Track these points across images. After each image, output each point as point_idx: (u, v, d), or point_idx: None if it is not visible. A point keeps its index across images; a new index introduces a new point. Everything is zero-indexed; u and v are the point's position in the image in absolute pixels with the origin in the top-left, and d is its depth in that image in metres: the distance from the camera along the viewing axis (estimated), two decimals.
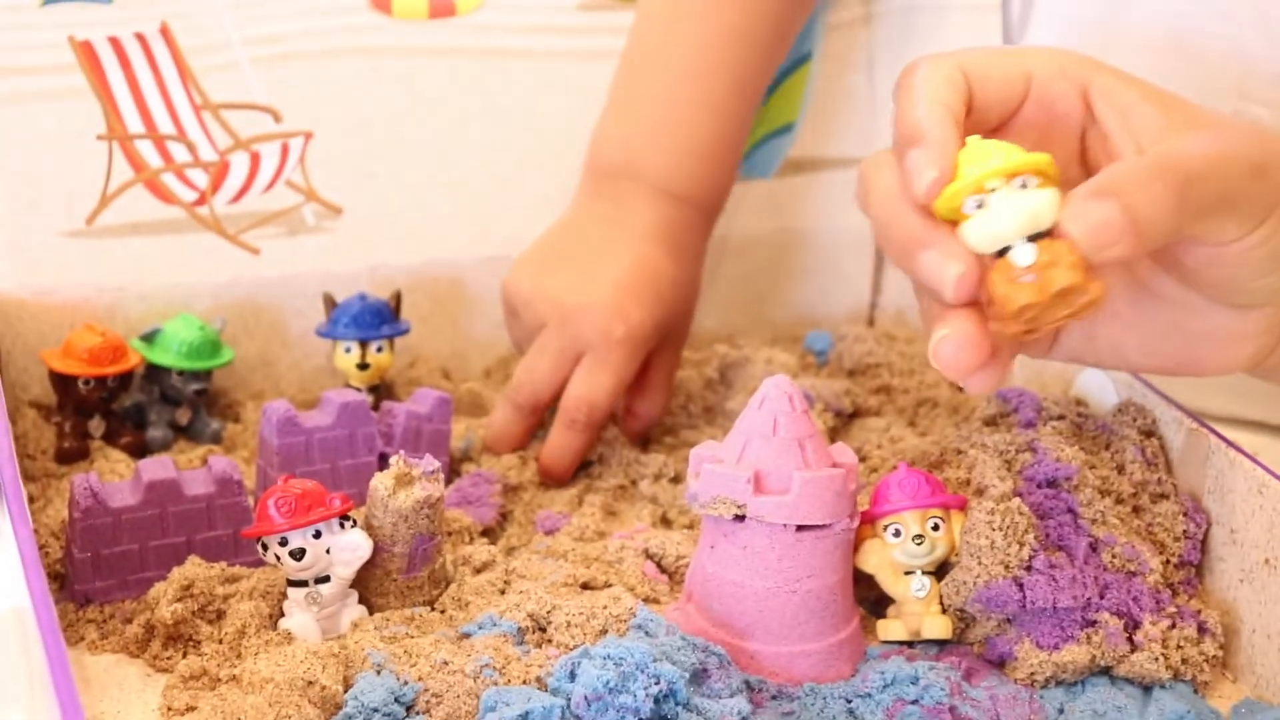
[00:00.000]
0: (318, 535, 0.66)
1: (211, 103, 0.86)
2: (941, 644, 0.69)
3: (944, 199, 0.60)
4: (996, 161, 0.59)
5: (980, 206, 0.59)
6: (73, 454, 0.80)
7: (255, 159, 0.87)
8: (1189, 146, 0.60)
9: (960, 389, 0.81)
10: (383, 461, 0.73)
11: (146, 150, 0.85)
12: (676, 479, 0.81)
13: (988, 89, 0.65)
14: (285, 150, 0.87)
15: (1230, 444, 0.70)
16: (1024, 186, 0.59)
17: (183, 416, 0.83)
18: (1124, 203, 0.58)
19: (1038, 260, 0.58)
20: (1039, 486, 0.70)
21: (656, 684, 0.61)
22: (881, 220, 0.63)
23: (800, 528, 0.65)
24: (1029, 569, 0.67)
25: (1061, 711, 0.66)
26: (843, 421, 0.86)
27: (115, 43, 0.85)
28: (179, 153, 0.86)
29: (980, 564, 0.67)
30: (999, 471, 0.70)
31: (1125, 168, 0.60)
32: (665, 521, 0.79)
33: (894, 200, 0.62)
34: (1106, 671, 0.67)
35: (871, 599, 0.71)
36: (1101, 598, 0.67)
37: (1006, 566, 0.67)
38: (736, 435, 0.67)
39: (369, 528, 0.68)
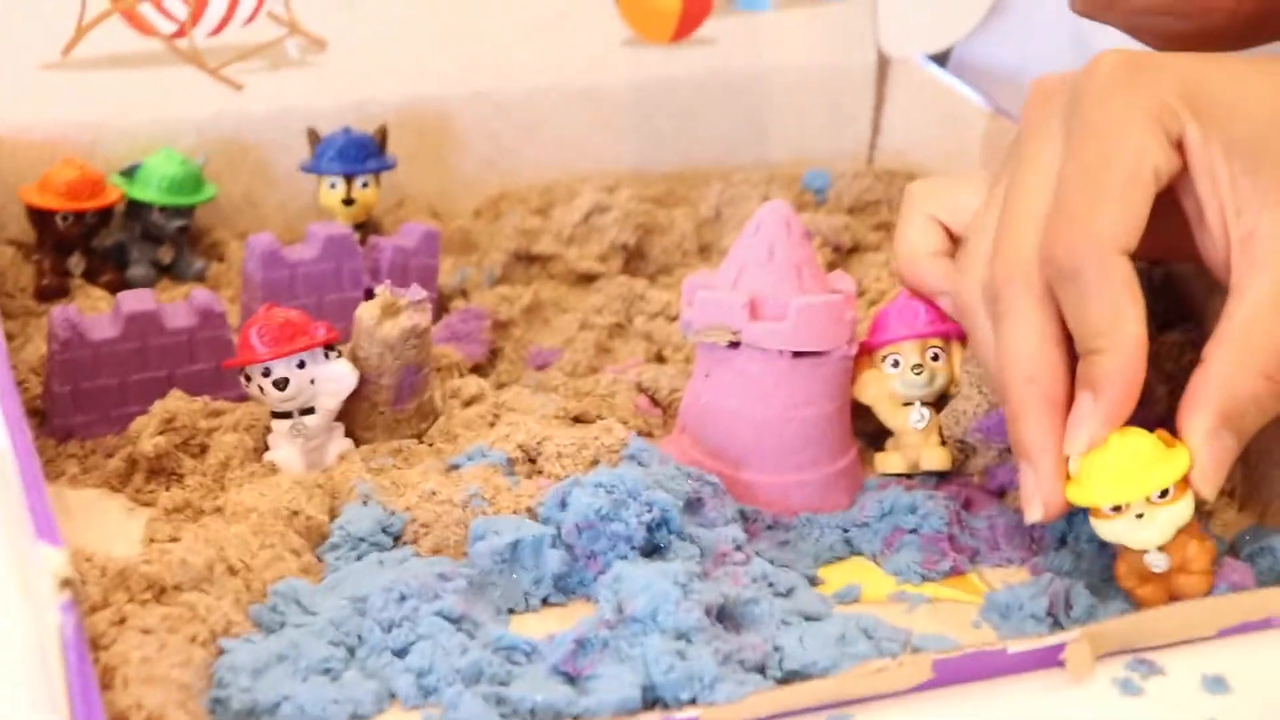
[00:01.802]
0: (302, 365, 0.65)
1: None
2: (941, 476, 0.68)
3: (1076, 490, 0.59)
4: (1141, 489, 0.58)
5: (1116, 509, 0.58)
6: (52, 291, 0.79)
7: None
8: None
9: None
10: (369, 297, 0.72)
11: None
12: (672, 317, 0.79)
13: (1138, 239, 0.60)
14: None
15: None
16: (1163, 496, 0.58)
17: (165, 255, 0.82)
18: (1238, 429, 0.58)
19: (1171, 565, 0.59)
20: None
21: (650, 511, 0.60)
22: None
23: (797, 354, 0.64)
24: None
25: (1063, 540, 0.65)
26: (841, 257, 0.85)
27: None
28: None
29: (981, 393, 0.66)
30: None
31: (1226, 378, 0.58)
32: (660, 358, 0.78)
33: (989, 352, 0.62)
34: None
35: (869, 432, 0.70)
36: None
37: None
38: (731, 262, 0.66)
39: (355, 359, 0.67)
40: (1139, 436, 0.59)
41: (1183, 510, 0.59)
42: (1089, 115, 0.61)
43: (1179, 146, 0.60)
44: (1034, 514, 0.60)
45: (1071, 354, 0.60)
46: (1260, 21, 0.68)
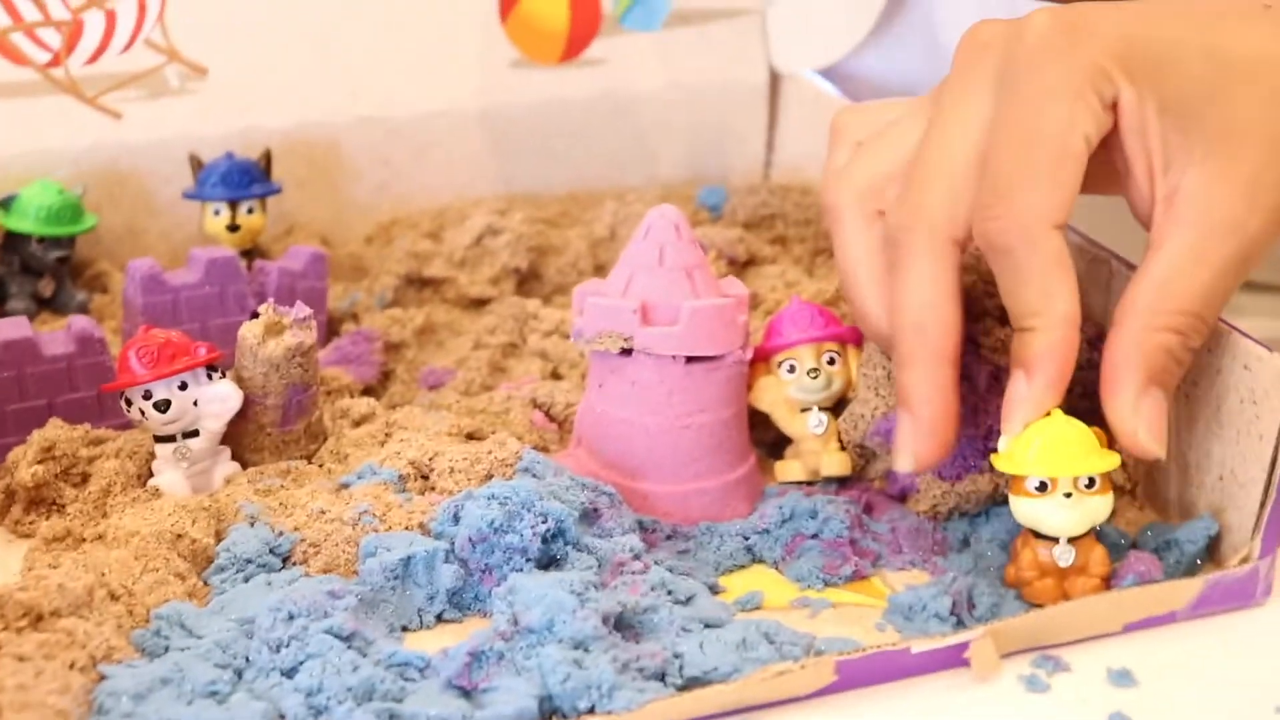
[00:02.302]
0: (184, 387, 0.64)
1: None
2: (841, 481, 0.67)
3: (1008, 460, 0.59)
4: (1075, 468, 0.58)
5: (1041, 489, 0.59)
6: None
7: (111, 17, 0.83)
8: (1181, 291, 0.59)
9: None
10: (248, 322, 0.70)
11: None
12: (566, 334, 0.78)
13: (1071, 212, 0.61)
14: (142, 8, 0.84)
15: (1132, 268, 0.68)
16: (1090, 486, 0.59)
17: (46, 288, 0.80)
18: (1163, 384, 0.59)
19: (1075, 562, 0.60)
20: None
21: (544, 522, 0.59)
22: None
23: (690, 359, 0.64)
24: None
25: (966, 542, 0.65)
26: (737, 269, 0.84)
27: None
28: (28, 11, 0.82)
29: (878, 395, 0.66)
30: None
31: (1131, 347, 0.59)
32: (556, 375, 0.77)
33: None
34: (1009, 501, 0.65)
35: (768, 441, 0.69)
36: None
37: None
38: (621, 268, 0.65)
39: (239, 380, 0.66)
40: (1077, 424, 0.59)
41: (1103, 507, 0.59)
42: (1020, 82, 0.60)
43: (1112, 107, 0.60)
44: (904, 464, 0.60)
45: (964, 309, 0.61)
46: None
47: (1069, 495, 0.59)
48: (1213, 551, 0.63)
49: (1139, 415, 0.59)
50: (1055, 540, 0.60)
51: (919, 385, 0.60)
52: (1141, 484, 0.68)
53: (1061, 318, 0.59)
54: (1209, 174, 0.60)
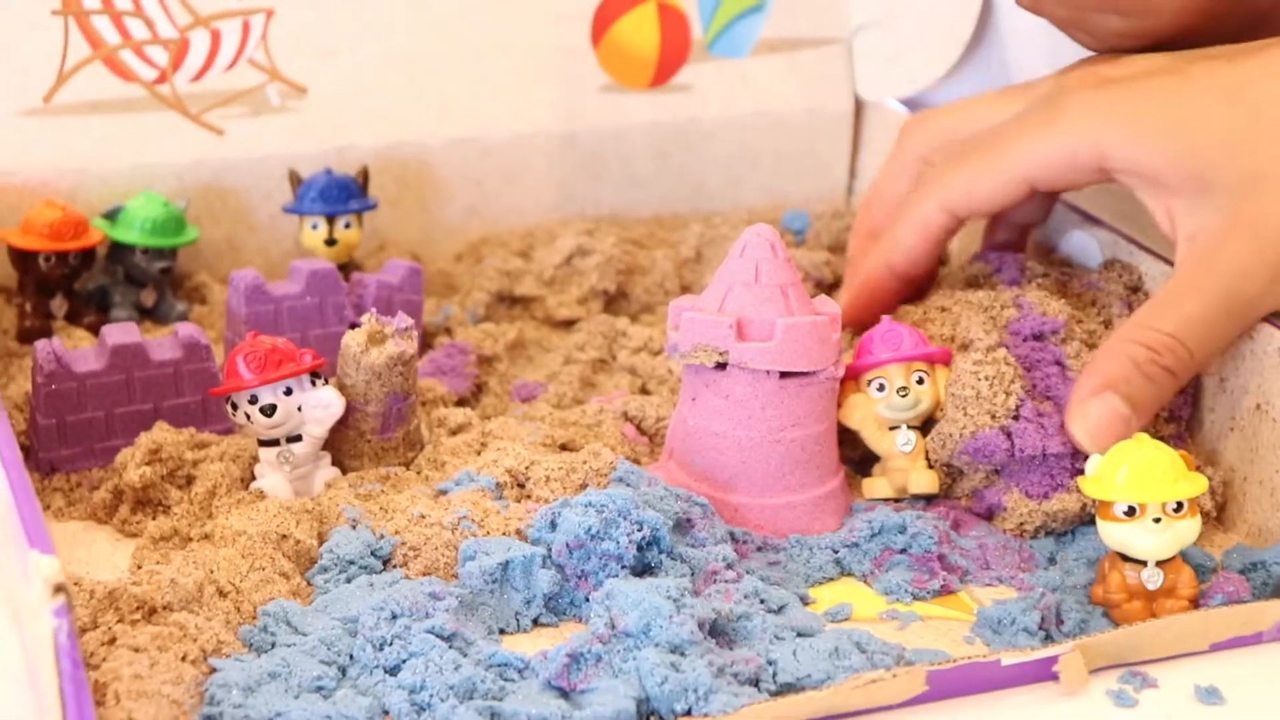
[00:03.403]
0: (288, 392, 0.65)
1: None
2: (928, 499, 0.68)
3: (1096, 484, 0.60)
4: (1163, 494, 0.59)
5: (1130, 514, 0.59)
6: (34, 333, 0.78)
7: (216, 36, 0.85)
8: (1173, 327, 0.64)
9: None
10: (352, 330, 0.72)
11: (104, 26, 0.83)
12: (655, 351, 0.79)
13: (985, 212, 0.72)
14: (246, 28, 0.86)
15: None
16: (1178, 510, 0.59)
17: (148, 298, 0.82)
18: (1125, 394, 0.64)
19: (1163, 585, 0.60)
20: (1025, 340, 0.69)
21: (640, 530, 0.60)
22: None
23: (784, 375, 0.64)
24: (1016, 417, 0.66)
25: (1053, 560, 0.65)
26: (824, 291, 0.84)
27: None
28: (137, 29, 0.84)
29: (966, 414, 0.66)
30: (984, 326, 0.69)
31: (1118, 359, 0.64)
32: (644, 391, 0.77)
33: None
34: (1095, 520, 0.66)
35: (855, 459, 0.70)
36: None
37: (993, 416, 0.66)
38: (717, 284, 0.66)
39: (341, 387, 0.67)
40: (1166, 449, 0.60)
41: (1192, 530, 0.60)
42: (1035, 109, 0.70)
43: (1095, 170, 0.68)
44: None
45: None
46: (1199, 29, 0.70)
47: (1158, 520, 0.59)
48: None
49: (1084, 413, 0.63)
50: (1144, 563, 0.60)
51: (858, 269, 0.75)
52: (1227, 507, 0.68)
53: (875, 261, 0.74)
54: (1222, 219, 0.64)
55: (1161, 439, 0.68)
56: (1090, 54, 0.74)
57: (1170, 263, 0.71)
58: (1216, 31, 0.71)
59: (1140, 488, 0.59)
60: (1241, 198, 0.64)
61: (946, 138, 0.75)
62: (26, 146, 0.83)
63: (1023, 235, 0.78)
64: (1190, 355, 0.64)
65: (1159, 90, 0.67)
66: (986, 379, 0.66)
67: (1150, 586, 0.60)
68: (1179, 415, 0.70)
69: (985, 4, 0.93)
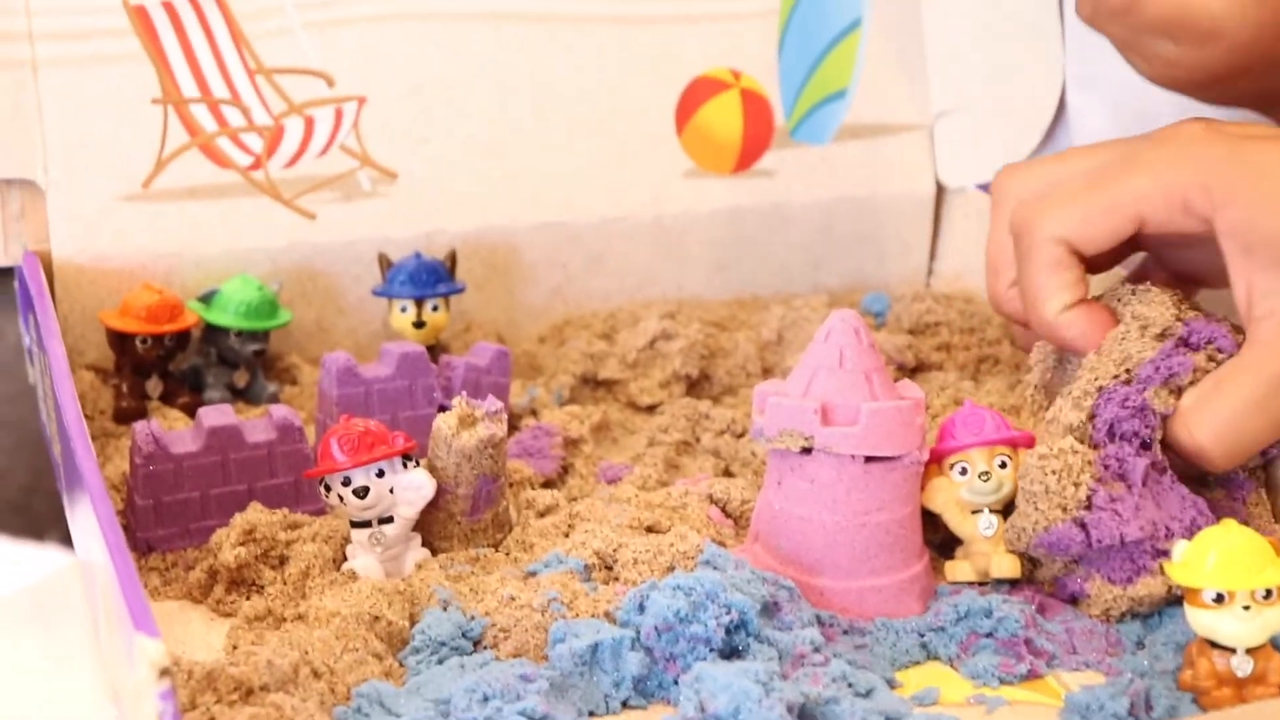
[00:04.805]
0: (380, 474, 0.66)
1: (265, 67, 0.86)
2: (1012, 583, 0.68)
3: (1183, 571, 0.59)
4: (1253, 581, 0.59)
5: (1217, 600, 0.59)
6: (130, 414, 0.80)
7: (309, 123, 0.86)
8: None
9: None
10: (443, 413, 0.72)
11: (201, 114, 0.85)
12: (738, 434, 0.80)
13: (1095, 248, 0.69)
14: (339, 115, 0.87)
15: None
16: (1267, 597, 0.59)
17: (240, 379, 0.83)
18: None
19: (1253, 672, 0.60)
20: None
21: (728, 614, 0.60)
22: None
23: (869, 459, 0.64)
24: (1089, 507, 0.65)
25: (1140, 644, 0.65)
26: (904, 374, 0.85)
27: (169, 7, 0.84)
28: (234, 117, 0.85)
29: (1037, 509, 0.65)
30: (1080, 392, 0.67)
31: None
32: (728, 473, 0.78)
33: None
34: (1181, 600, 0.65)
35: (938, 542, 0.70)
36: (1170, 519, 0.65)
37: (1064, 509, 0.65)
38: (802, 369, 0.66)
39: (432, 469, 0.67)
40: (1253, 535, 0.59)
41: (1277, 620, 0.59)
42: (1143, 149, 0.68)
43: (1201, 218, 0.65)
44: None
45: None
46: (1254, 68, 0.70)
47: (1247, 607, 0.59)
48: None
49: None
50: (1233, 650, 0.60)
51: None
52: None
53: (1040, 319, 0.69)
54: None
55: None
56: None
57: None
58: (1272, 72, 0.71)
59: (1229, 575, 0.59)
60: None
61: (1043, 183, 0.72)
62: (126, 231, 0.84)
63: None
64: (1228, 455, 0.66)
65: (1272, 156, 0.65)
66: (1054, 473, 0.65)
67: (1239, 674, 0.60)
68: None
69: (1061, 97, 0.94)
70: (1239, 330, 0.68)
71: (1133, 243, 0.70)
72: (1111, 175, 0.68)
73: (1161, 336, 0.67)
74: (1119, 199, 0.67)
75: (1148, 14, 0.71)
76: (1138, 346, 0.67)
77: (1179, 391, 0.66)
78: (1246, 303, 0.65)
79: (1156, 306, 0.68)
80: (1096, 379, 0.67)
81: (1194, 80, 0.72)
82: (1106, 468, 0.66)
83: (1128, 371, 0.67)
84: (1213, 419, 0.65)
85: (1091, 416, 0.66)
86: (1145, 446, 0.66)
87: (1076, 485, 0.65)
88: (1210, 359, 0.67)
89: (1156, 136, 0.69)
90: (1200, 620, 0.59)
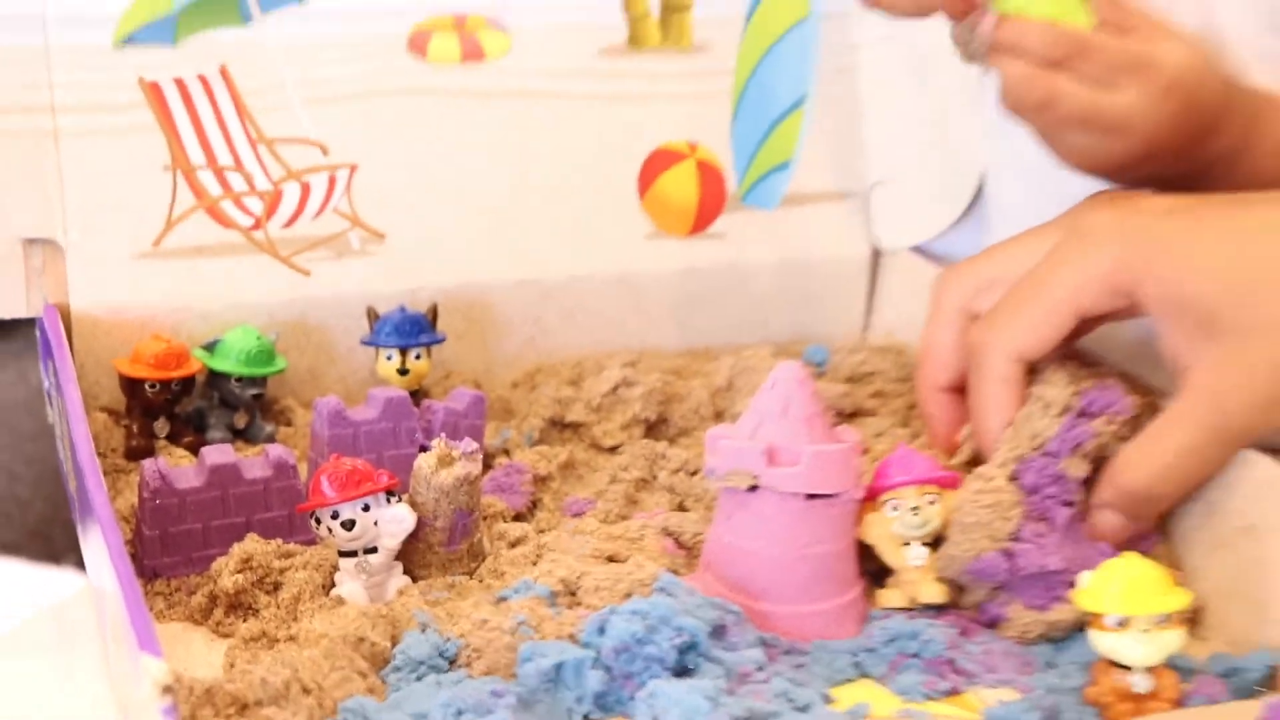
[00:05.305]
0: (366, 508, 0.66)
1: (266, 137, 0.87)
2: (939, 608, 0.68)
3: (1090, 597, 0.60)
4: (1151, 607, 0.60)
5: (1120, 624, 0.60)
6: (140, 452, 0.80)
7: (306, 188, 0.87)
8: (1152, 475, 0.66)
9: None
10: (423, 453, 0.73)
11: (207, 180, 0.85)
12: (692, 472, 0.80)
13: (1046, 349, 0.69)
14: (332, 181, 0.88)
15: None
16: (1164, 621, 0.60)
17: (240, 420, 0.83)
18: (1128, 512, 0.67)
19: (1151, 689, 0.60)
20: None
21: (680, 636, 0.60)
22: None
23: (810, 496, 0.65)
24: (1016, 539, 0.66)
25: (1050, 664, 0.65)
26: (843, 420, 0.85)
27: (180, 83, 0.85)
28: (237, 182, 0.86)
29: (969, 538, 0.66)
30: (1001, 460, 0.68)
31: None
32: (682, 508, 0.78)
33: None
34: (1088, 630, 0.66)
35: (872, 571, 0.70)
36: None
37: (994, 539, 0.66)
38: (750, 415, 0.66)
39: (413, 504, 0.68)
40: (1153, 566, 0.60)
41: (1176, 640, 0.60)
42: (1064, 247, 0.69)
43: (1128, 295, 0.66)
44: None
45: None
46: (1162, 159, 0.71)
47: (1146, 631, 0.59)
48: (1271, 680, 0.63)
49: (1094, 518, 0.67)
50: (1132, 669, 0.60)
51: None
52: (1206, 619, 0.68)
53: (984, 430, 0.70)
54: (1221, 356, 0.64)
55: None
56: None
57: None
58: (1183, 160, 0.72)
59: (1131, 602, 0.59)
60: (1243, 340, 0.64)
61: (982, 284, 0.73)
62: (138, 285, 0.84)
63: None
64: (1165, 499, 0.67)
65: (1180, 228, 0.66)
66: (987, 506, 0.66)
67: (1139, 690, 0.60)
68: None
69: (982, 174, 0.95)
70: (1134, 384, 0.69)
71: (1081, 329, 0.70)
72: (1041, 277, 0.68)
73: (1062, 413, 0.68)
74: (1056, 300, 0.68)
75: (1063, 110, 0.71)
76: (1043, 424, 0.68)
77: (1088, 456, 0.68)
78: (1174, 359, 0.66)
79: (1054, 387, 0.69)
80: (1015, 449, 0.68)
81: (1105, 167, 0.73)
82: (1033, 509, 0.67)
83: (1039, 447, 0.68)
84: (1154, 464, 0.66)
85: (1014, 478, 0.67)
86: (1066, 504, 0.67)
87: (1006, 519, 0.66)
88: (1109, 422, 0.68)
89: (1071, 224, 0.70)
90: (1104, 642, 0.60)
